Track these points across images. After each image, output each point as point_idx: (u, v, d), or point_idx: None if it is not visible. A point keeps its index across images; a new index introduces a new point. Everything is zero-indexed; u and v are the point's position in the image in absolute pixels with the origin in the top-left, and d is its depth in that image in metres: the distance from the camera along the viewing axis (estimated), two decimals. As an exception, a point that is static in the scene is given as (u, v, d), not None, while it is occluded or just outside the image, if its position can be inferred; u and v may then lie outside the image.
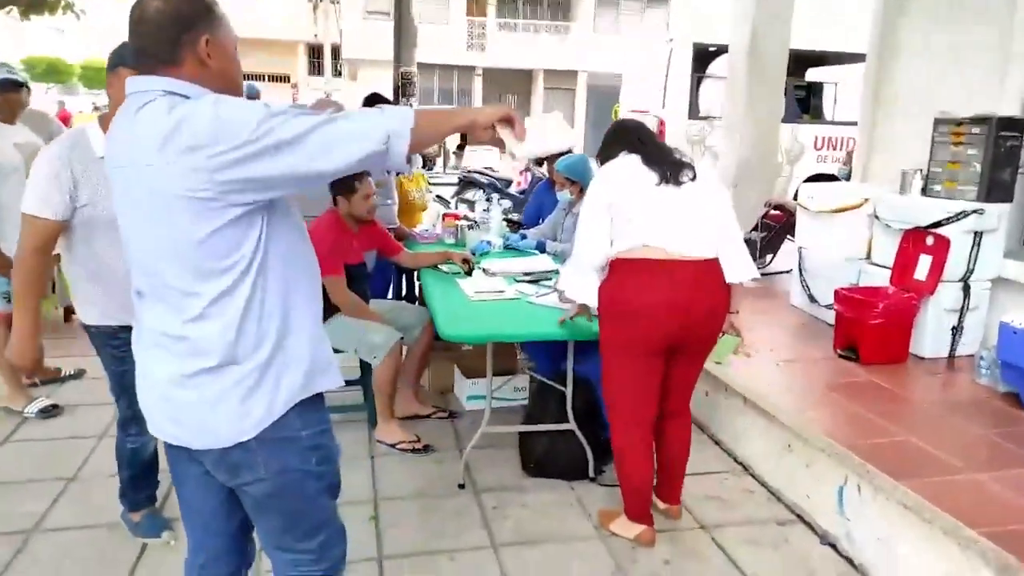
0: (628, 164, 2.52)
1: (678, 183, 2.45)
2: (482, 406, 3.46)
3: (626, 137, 2.63)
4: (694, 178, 2.48)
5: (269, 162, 1.24)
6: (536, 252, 4.07)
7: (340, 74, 23.53)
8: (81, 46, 31.46)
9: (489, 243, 4.14)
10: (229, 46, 1.41)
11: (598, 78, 24.23)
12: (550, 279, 3.37)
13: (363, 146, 1.29)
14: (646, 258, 2.40)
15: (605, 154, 2.65)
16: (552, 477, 3.10)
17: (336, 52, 22.89)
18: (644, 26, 24.84)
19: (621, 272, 2.45)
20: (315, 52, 24.15)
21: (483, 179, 9.92)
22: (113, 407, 2.54)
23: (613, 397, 2.60)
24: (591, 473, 3.09)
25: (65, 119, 19.00)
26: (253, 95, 10.32)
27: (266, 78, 22.61)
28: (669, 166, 2.48)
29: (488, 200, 5.19)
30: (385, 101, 3.96)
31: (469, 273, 3.52)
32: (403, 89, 8.45)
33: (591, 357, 3.09)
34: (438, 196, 8.69)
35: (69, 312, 5.03)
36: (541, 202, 4.82)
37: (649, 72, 10.40)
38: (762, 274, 5.58)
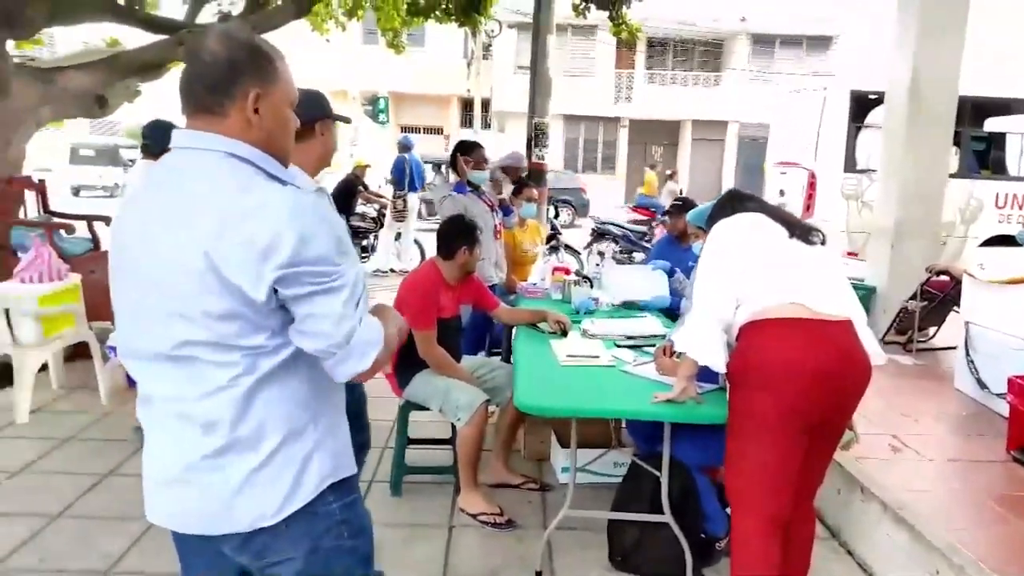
0: (752, 216, 2.31)
1: (808, 241, 2.23)
2: (582, 480, 3.18)
3: (743, 201, 2.44)
4: (824, 242, 2.26)
5: (308, 306, 1.23)
6: (652, 309, 3.75)
7: (489, 126, 24.31)
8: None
9: (596, 300, 3.85)
10: (282, 107, 1.33)
11: (749, 128, 23.35)
12: (654, 345, 3.02)
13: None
14: (796, 316, 2.06)
15: (719, 217, 2.39)
16: (642, 573, 2.72)
17: (486, 105, 23.71)
18: (801, 75, 23.75)
19: (763, 332, 2.11)
20: (467, 106, 25.16)
21: (617, 231, 9.65)
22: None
23: (742, 486, 2.18)
24: (688, 573, 2.67)
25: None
26: (408, 145, 10.77)
27: (421, 130, 23.81)
28: (796, 224, 2.29)
29: (602, 254, 4.91)
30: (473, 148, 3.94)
31: (564, 334, 3.25)
32: (536, 139, 8.40)
33: (692, 440, 2.71)
34: (567, 246, 8.50)
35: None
36: (663, 257, 4.49)
37: (800, 122, 9.75)
38: (922, 349, 4.87)
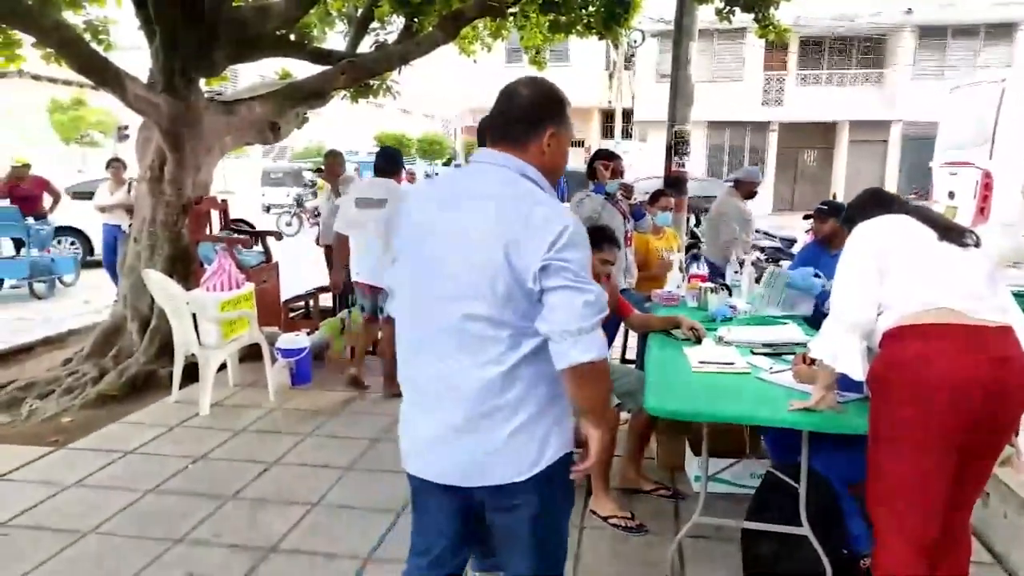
0: (897, 218, 2.18)
1: (962, 244, 2.07)
2: (715, 489, 3.13)
3: (885, 199, 2.34)
4: (977, 244, 2.09)
5: (561, 296, 1.48)
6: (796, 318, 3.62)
7: (630, 136, 24.14)
8: (419, 123, 36.79)
9: (733, 308, 3.76)
10: (566, 143, 1.67)
11: (915, 127, 21.53)
12: (793, 353, 2.92)
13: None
14: (947, 323, 1.94)
15: (856, 220, 2.28)
16: (778, 589, 2.63)
17: (627, 116, 23.56)
18: (978, 67, 21.57)
19: (909, 339, 1.99)
20: (608, 117, 25.15)
21: (763, 241, 9.28)
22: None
23: (884, 503, 2.06)
24: (829, 593, 2.55)
25: (412, 181, 22.37)
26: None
27: (561, 143, 24.11)
28: (947, 226, 2.13)
29: (741, 262, 4.77)
30: None
31: (699, 341, 3.21)
32: (676, 147, 8.29)
33: (834, 452, 2.61)
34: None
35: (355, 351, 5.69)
36: (808, 264, 4.30)
37: (974, 117, 8.92)
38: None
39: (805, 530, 2.55)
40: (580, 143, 24.90)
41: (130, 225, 7.28)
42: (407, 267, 1.67)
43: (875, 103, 22.61)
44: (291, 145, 26.41)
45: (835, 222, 4.02)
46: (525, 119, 1.62)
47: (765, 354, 3.02)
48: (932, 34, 22.51)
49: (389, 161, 4.85)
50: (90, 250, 10.12)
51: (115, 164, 7.79)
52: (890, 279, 2.06)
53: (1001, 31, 21.84)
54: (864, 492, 2.25)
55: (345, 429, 4.23)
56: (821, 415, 2.30)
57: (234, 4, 5.72)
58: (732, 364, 2.89)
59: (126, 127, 24.75)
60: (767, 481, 2.85)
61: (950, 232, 2.11)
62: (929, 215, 2.21)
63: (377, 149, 6.26)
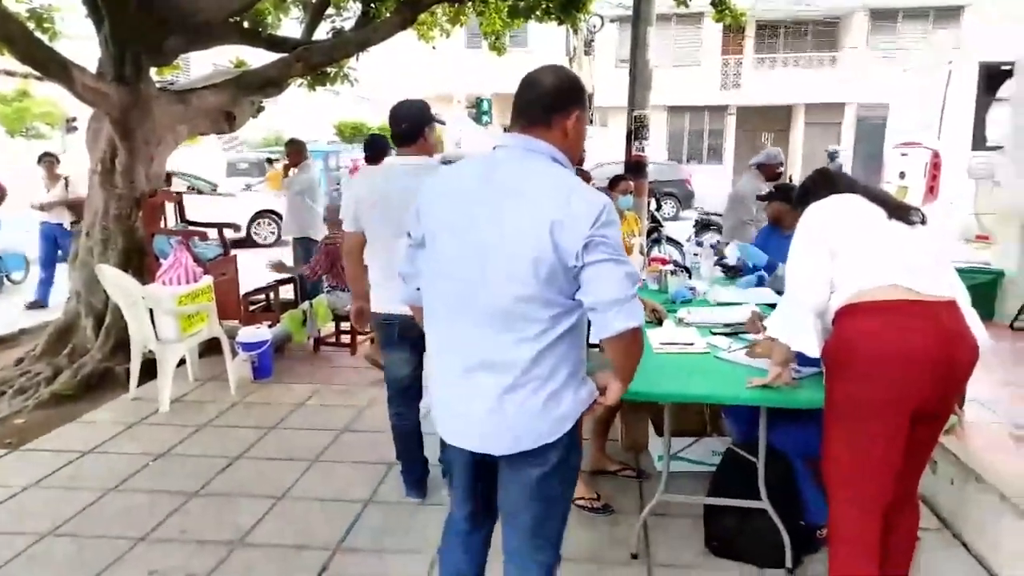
0: (847, 199, 2.24)
1: (909, 222, 2.14)
2: (677, 468, 3.19)
3: (834, 179, 2.38)
4: (923, 222, 2.16)
5: (604, 269, 1.60)
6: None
7: (592, 122, 24.20)
8: (379, 111, 36.37)
9: (693, 290, 3.83)
10: (584, 126, 1.78)
11: (869, 109, 22.02)
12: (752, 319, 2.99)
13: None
14: (898, 299, 2.00)
15: (806, 199, 2.34)
16: (739, 560, 2.71)
17: (588, 101, 23.61)
18: (927, 49, 22.09)
19: (860, 316, 2.05)
20: (569, 102, 25.18)
21: (721, 221, 9.42)
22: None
23: (840, 473, 2.13)
24: (787, 563, 2.63)
25: (355, 170, 22.01)
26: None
27: (523, 129, 24.04)
28: (895, 205, 2.20)
29: (699, 244, 4.85)
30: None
31: (660, 323, 3.26)
32: (636, 132, 8.34)
33: (791, 427, 2.69)
34: (669, 238, 8.40)
35: (318, 343, 5.66)
36: (764, 247, 4.38)
37: (922, 99, 9.16)
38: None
39: (764, 504, 2.63)
40: (541, 129, 24.84)
41: (73, 222, 7.11)
42: (443, 253, 1.73)
43: (830, 86, 23.03)
44: (247, 137, 25.87)
45: (780, 204, 4.10)
46: (550, 102, 1.71)
47: (724, 334, 3.09)
48: (884, 16, 22.98)
49: (378, 147, 5.16)
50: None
51: (47, 159, 7.39)
52: (841, 258, 2.11)
53: (949, 13, 22.39)
54: (820, 465, 2.33)
55: (309, 421, 4.21)
56: (778, 392, 2.37)
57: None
58: (692, 344, 2.95)
59: (74, 119, 24.00)
60: (727, 458, 2.92)
61: (898, 210, 2.17)
62: (877, 194, 2.27)
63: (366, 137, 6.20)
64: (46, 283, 7.47)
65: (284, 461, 3.65)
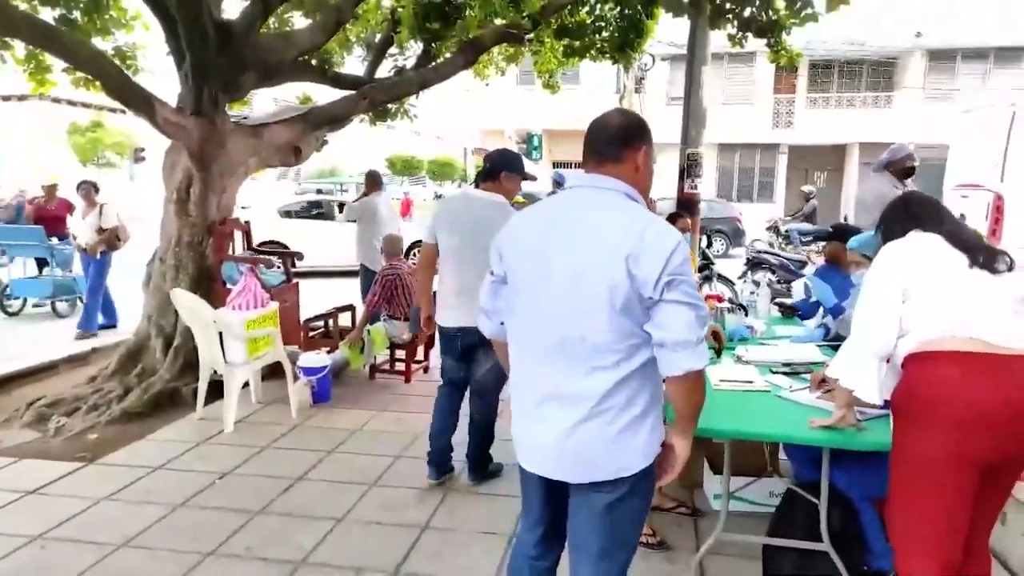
0: (927, 240, 2.15)
1: (993, 270, 2.04)
2: (734, 507, 3.17)
3: (919, 212, 2.25)
4: (1011, 267, 2.05)
5: (678, 311, 1.66)
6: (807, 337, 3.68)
7: (642, 158, 24.26)
8: (430, 145, 37.15)
9: (751, 328, 3.83)
10: (651, 161, 1.88)
11: (925, 151, 21.54)
12: (811, 372, 2.98)
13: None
14: (972, 351, 1.95)
15: (889, 231, 2.28)
16: (799, 604, 2.67)
17: (639, 138, 23.68)
18: (987, 91, 21.64)
19: (932, 365, 2.00)
20: (619, 139, 25.34)
21: (773, 260, 9.34)
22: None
23: (907, 528, 2.06)
24: (849, 608, 2.59)
25: (407, 205, 22.45)
26: (560, 181, 11.16)
27: (572, 165, 24.22)
28: (981, 250, 2.09)
29: (756, 283, 4.83)
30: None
31: (718, 354, 3.27)
32: (689, 170, 8.39)
33: (855, 468, 2.66)
34: (720, 275, 8.35)
35: (373, 370, 5.79)
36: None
37: (985, 140, 8.99)
38: None
39: (826, 546, 2.60)
40: (591, 165, 24.99)
41: (103, 252, 7.29)
42: (523, 287, 1.83)
43: (884, 125, 22.68)
44: (304, 168, 26.75)
45: (836, 244, 4.10)
46: (620, 141, 1.81)
47: (784, 373, 3.09)
48: (942, 57, 22.65)
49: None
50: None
51: (85, 186, 7.41)
52: (914, 302, 2.06)
53: (1010, 54, 21.95)
54: (885, 509, 2.29)
55: (366, 446, 4.30)
56: (842, 432, 2.36)
57: (260, 31, 5.88)
58: (752, 383, 2.95)
59: (142, 149, 25.15)
60: (788, 498, 2.89)
61: (981, 257, 2.07)
62: (961, 236, 2.16)
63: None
64: (91, 311, 7.33)
65: (343, 484, 3.74)
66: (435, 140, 36.90)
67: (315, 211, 13.80)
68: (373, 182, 7.11)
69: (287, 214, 13.32)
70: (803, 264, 9.16)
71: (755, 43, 7.82)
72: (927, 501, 2.01)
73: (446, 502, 3.54)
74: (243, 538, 3.17)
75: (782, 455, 3.55)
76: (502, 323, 1.98)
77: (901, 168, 5.03)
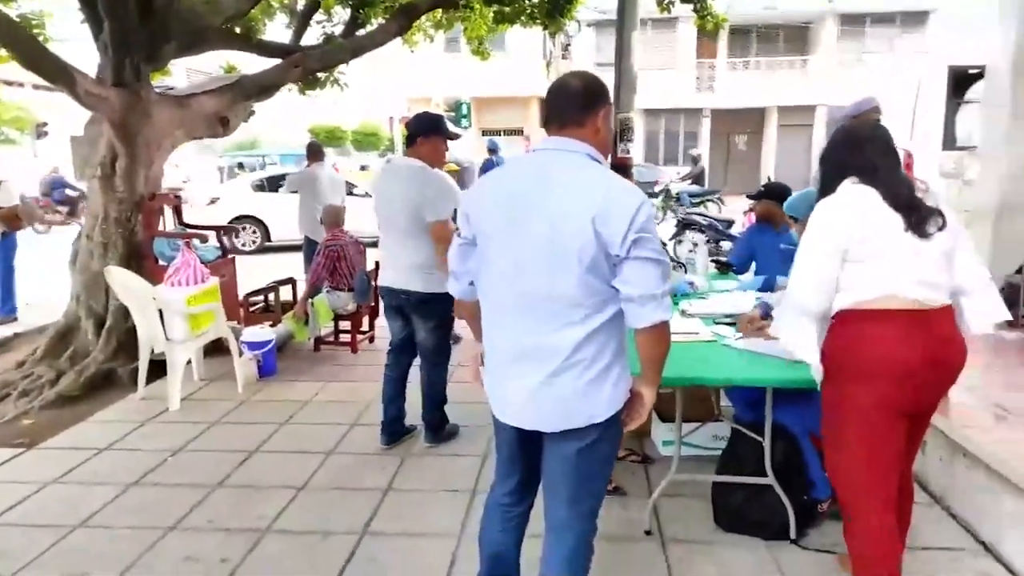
0: (864, 198, 2.12)
1: (924, 234, 2.07)
2: (681, 452, 3.34)
3: (862, 153, 2.18)
4: (942, 227, 2.10)
5: (645, 267, 1.74)
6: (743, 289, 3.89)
7: (570, 124, 24.39)
8: (353, 115, 36.27)
9: (691, 284, 4.00)
10: (610, 122, 1.92)
11: (839, 112, 22.50)
12: (764, 320, 3.16)
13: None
14: (902, 309, 2.06)
15: (831, 168, 2.24)
16: (747, 534, 2.88)
17: (567, 104, 23.79)
18: (894, 53, 22.69)
19: (859, 323, 2.10)
20: (547, 105, 25.40)
21: (702, 220, 9.66)
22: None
23: (851, 475, 2.20)
24: (792, 534, 2.81)
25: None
26: (495, 148, 11.17)
27: (502, 132, 24.21)
28: (915, 212, 2.09)
29: (695, 244, 5.03)
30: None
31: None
32: (622, 135, 8.54)
33: (794, 407, 2.86)
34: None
35: (318, 342, 5.74)
36: (752, 243, 4.58)
37: (895, 101, 9.49)
38: (1027, 324, 4.76)
39: (770, 480, 2.80)
40: (519, 131, 25.07)
41: (3, 232, 6.85)
42: (493, 248, 1.89)
43: (801, 89, 23.55)
44: (222, 141, 25.74)
45: (769, 203, 4.29)
46: (581, 103, 1.86)
47: (726, 323, 3.26)
48: (852, 22, 23.57)
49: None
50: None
51: None
52: (851, 263, 2.11)
53: (915, 18, 23.05)
54: (822, 441, 2.47)
55: (319, 417, 4.31)
56: (783, 374, 2.54)
57: (183, -3, 5.63)
58: (697, 334, 3.12)
59: (45, 124, 23.63)
60: (733, 439, 3.09)
61: (915, 218, 2.08)
62: (898, 192, 2.11)
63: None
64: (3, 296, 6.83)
65: (300, 454, 3.75)
66: (359, 109, 36.05)
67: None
68: (314, 152, 6.96)
69: (260, 187, 12.87)
70: (730, 224, 9.51)
71: (678, 8, 7.99)
72: (866, 448, 2.14)
73: (405, 465, 3.60)
74: (203, 512, 3.16)
75: (724, 402, 3.77)
76: (471, 284, 2.03)
77: (867, 121, 4.52)
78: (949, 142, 8.64)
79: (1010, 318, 2.29)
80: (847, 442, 2.18)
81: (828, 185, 2.24)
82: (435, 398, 3.80)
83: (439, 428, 3.85)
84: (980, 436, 2.94)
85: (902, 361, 2.05)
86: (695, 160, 15.19)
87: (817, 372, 2.22)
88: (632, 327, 1.81)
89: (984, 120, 5.47)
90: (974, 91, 8.69)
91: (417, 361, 3.81)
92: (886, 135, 2.26)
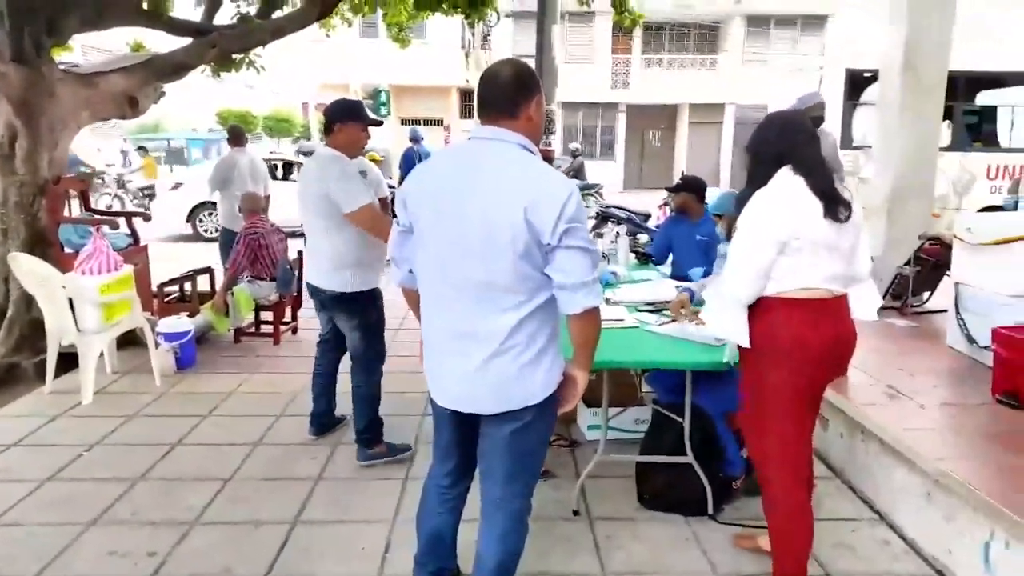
0: (793, 189, 2.22)
1: (837, 219, 2.21)
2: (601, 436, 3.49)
3: (795, 143, 2.27)
4: (848, 216, 2.24)
5: (575, 255, 1.81)
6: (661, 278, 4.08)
7: (489, 115, 24.43)
8: (265, 100, 35.01)
9: (614, 274, 4.16)
10: (542, 110, 1.95)
11: (746, 110, 23.56)
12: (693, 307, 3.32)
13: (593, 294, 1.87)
14: (819, 298, 2.23)
15: (765, 157, 2.30)
16: (668, 511, 3.05)
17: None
18: (797, 55, 23.91)
19: (783, 309, 2.24)
20: (466, 96, 25.34)
21: (621, 213, 9.93)
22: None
23: (777, 452, 2.33)
24: (709, 510, 3.00)
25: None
26: (418, 137, 11.07)
27: (421, 121, 24.01)
28: (831, 198, 2.22)
29: (617, 235, 5.20)
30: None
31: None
32: (544, 127, 8.68)
33: (710, 389, 3.04)
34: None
35: (239, 333, 5.60)
36: (670, 234, 4.79)
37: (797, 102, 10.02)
38: (916, 312, 5.19)
39: (690, 459, 2.98)
40: (439, 121, 24.91)
41: None
42: (429, 235, 1.92)
43: (711, 87, 24.45)
44: (122, 123, 24.36)
45: (687, 195, 4.56)
46: (513, 93, 1.90)
47: (648, 311, 3.43)
48: (758, 23, 24.63)
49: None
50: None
51: None
52: (783, 255, 2.21)
53: (815, 22, 24.32)
54: (738, 422, 2.65)
55: (244, 408, 4.23)
56: (705, 357, 2.71)
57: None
58: (622, 320, 3.27)
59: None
60: (654, 421, 3.26)
61: (833, 206, 2.19)
62: (821, 180, 2.21)
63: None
64: None
65: (225, 446, 3.68)
66: (270, 94, 34.81)
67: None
68: (235, 137, 6.68)
69: None
70: (647, 217, 9.82)
71: (598, 4, 8.19)
72: (785, 426, 2.31)
73: (336, 454, 3.60)
74: (126, 505, 3.07)
75: (644, 387, 3.95)
76: (411, 271, 2.08)
77: (812, 117, 4.59)
78: (846, 142, 9.21)
79: (874, 317, 2.47)
80: (768, 420, 2.32)
81: (761, 174, 2.29)
82: (364, 404, 3.50)
83: (371, 441, 3.52)
84: (874, 414, 3.22)
85: (814, 343, 2.22)
86: (574, 154, 15.42)
87: (733, 351, 2.38)
88: (565, 313, 1.89)
89: (878, 119, 5.86)
90: (869, 93, 9.33)
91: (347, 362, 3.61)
92: (811, 125, 2.43)
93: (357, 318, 3.43)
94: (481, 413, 1.98)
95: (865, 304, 2.46)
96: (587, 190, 14.26)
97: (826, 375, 2.34)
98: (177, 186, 12.15)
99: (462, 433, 2.11)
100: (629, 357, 2.86)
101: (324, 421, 3.81)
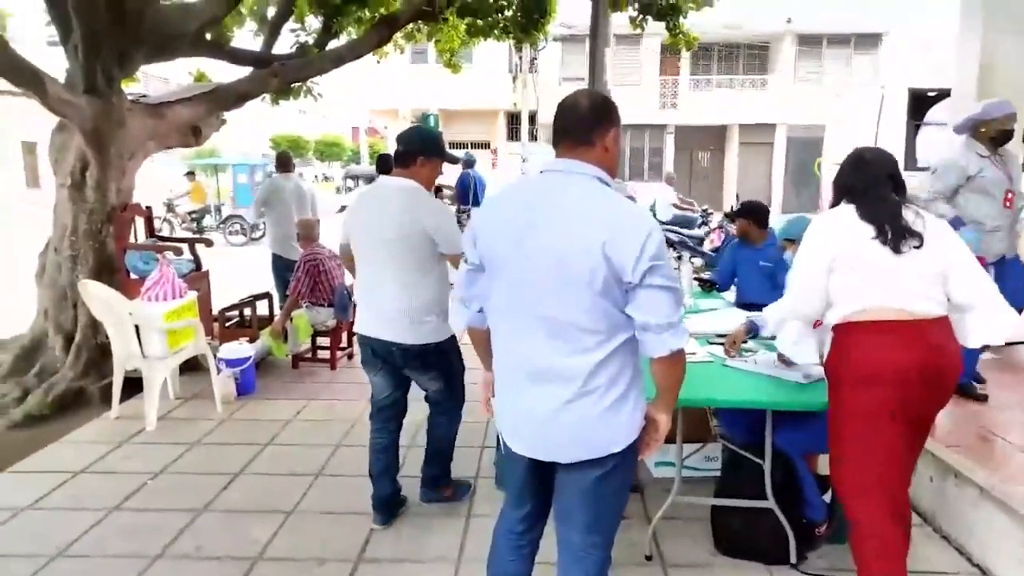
0: (842, 216, 2.35)
1: (896, 250, 2.22)
2: (670, 473, 3.34)
3: (859, 176, 2.38)
4: (919, 246, 2.23)
5: (659, 295, 1.71)
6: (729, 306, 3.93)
7: (535, 139, 24.56)
8: (315, 124, 35.88)
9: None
10: (619, 142, 1.89)
11: (797, 130, 23.15)
12: (745, 341, 3.19)
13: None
14: (889, 320, 2.21)
15: (836, 190, 2.48)
16: (747, 558, 2.89)
17: (533, 118, 24.00)
18: (850, 74, 23.41)
19: (856, 334, 2.26)
20: (513, 119, 25.50)
21: (674, 236, 9.76)
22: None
23: (858, 474, 2.28)
24: (792, 559, 2.83)
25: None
26: (471, 161, 11.12)
27: (469, 145, 24.21)
28: (889, 228, 2.25)
29: (679, 258, 5.07)
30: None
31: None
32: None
33: (789, 428, 2.88)
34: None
35: (297, 359, 5.62)
36: (735, 260, 4.65)
37: (857, 121, 9.76)
38: (1007, 343, 4.90)
39: (771, 503, 2.81)
40: (486, 144, 25.09)
41: None
42: (502, 273, 1.84)
43: (761, 107, 24.09)
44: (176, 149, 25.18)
45: (745, 221, 4.54)
46: (590, 124, 1.83)
47: (719, 344, 3.28)
48: (809, 42, 24.24)
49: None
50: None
51: None
52: (837, 276, 2.29)
53: (869, 40, 23.81)
54: (824, 463, 2.51)
55: (303, 437, 4.20)
56: (783, 396, 2.57)
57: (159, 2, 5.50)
58: (694, 354, 3.13)
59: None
60: (729, 461, 3.10)
61: (889, 234, 2.23)
62: (878, 210, 2.28)
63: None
64: None
65: (286, 476, 3.65)
66: (320, 119, 35.64)
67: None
68: (282, 163, 6.76)
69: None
70: (702, 241, 9.64)
71: (649, 26, 8.10)
72: (872, 448, 2.24)
73: (397, 487, 3.53)
74: (191, 538, 3.04)
75: (713, 421, 3.79)
76: (480, 311, 1.99)
77: (1000, 131, 3.81)
78: (910, 163, 8.91)
79: (1003, 340, 2.35)
80: (846, 445, 2.29)
81: (833, 204, 2.48)
82: (441, 454, 3.29)
83: (440, 485, 3.35)
84: (967, 457, 3.01)
85: (896, 364, 2.16)
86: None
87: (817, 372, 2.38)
88: (649, 356, 1.78)
89: (950, 143, 5.61)
90: (935, 113, 9.02)
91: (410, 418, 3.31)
92: (887, 160, 2.45)
93: (443, 367, 3.08)
94: (561, 461, 1.87)
95: (981, 331, 2.30)
96: None
97: (912, 399, 2.21)
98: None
99: (538, 477, 2.00)
100: (706, 395, 2.72)
101: (391, 506, 3.23)
